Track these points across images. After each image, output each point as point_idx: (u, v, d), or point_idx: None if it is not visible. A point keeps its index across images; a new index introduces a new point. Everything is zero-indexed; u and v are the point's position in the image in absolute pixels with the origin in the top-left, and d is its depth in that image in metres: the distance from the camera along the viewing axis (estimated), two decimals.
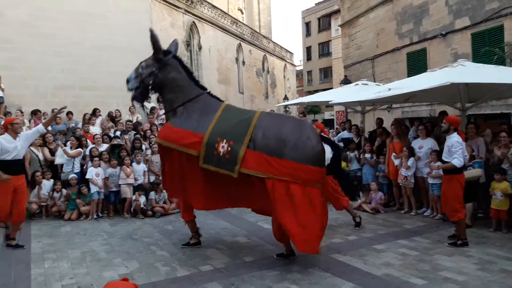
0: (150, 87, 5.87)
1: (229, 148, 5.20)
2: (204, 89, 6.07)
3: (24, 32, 13.38)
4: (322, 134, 6.47)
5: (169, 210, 8.56)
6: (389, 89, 7.81)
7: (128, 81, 5.99)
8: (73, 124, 11.56)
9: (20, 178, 6.24)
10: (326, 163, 5.51)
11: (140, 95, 5.96)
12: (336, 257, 5.50)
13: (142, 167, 8.93)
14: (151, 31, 5.92)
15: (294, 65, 40.88)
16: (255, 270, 5.06)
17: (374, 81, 14.35)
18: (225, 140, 5.25)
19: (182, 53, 19.62)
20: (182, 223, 7.61)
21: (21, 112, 11.57)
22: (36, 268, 5.33)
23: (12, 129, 6.17)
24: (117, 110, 12.66)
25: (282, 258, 5.52)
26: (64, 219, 8.21)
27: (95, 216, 8.27)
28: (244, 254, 5.74)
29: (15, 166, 6.11)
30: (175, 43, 6.28)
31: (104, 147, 9.18)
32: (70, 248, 6.22)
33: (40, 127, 6.71)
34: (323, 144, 5.52)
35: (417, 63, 14.96)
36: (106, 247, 6.24)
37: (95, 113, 11.93)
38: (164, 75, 5.83)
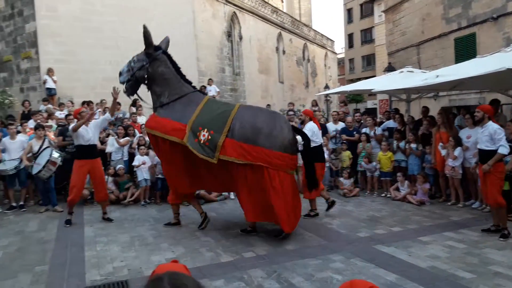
0: (142, 80, 6.45)
1: (209, 137, 5.81)
2: (190, 83, 6.66)
3: (75, 26, 13.98)
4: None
5: (212, 197, 8.75)
6: (437, 76, 7.52)
7: (120, 74, 6.55)
8: (121, 115, 12.00)
9: (96, 161, 7.00)
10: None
11: (131, 88, 6.54)
12: (379, 248, 5.44)
13: None
14: (144, 27, 6.41)
15: (336, 53, 40.14)
16: (297, 258, 5.11)
17: (420, 68, 13.84)
18: (206, 129, 5.86)
19: (223, 43, 19.80)
20: (225, 209, 7.82)
21: (72, 103, 12.15)
22: (89, 250, 5.64)
23: (81, 117, 6.78)
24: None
25: (246, 233, 6.22)
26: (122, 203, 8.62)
27: (142, 203, 8.60)
28: (285, 242, 5.80)
29: (90, 151, 6.87)
30: (166, 40, 6.79)
31: None
32: (120, 232, 6.53)
33: (107, 115, 7.17)
34: (295, 134, 6.14)
35: (465, 49, 14.25)
36: (153, 232, 6.50)
37: (135, 103, 12.32)
38: (154, 69, 6.37)
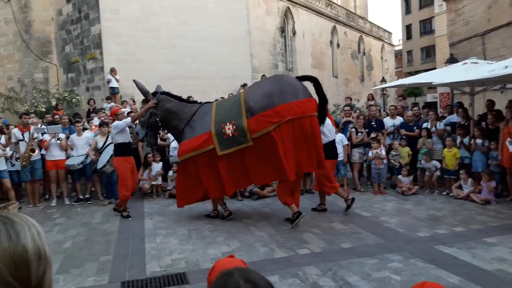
0: (156, 125, 6.96)
1: (234, 127, 6.11)
2: (195, 102, 7.17)
3: (136, 28, 14.60)
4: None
5: (265, 193, 8.80)
6: (506, 67, 7.02)
7: (137, 134, 7.13)
8: None
9: (132, 158, 7.46)
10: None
11: (152, 138, 7.13)
12: (440, 249, 5.20)
13: None
14: (134, 81, 7.06)
15: (393, 45, 38.66)
16: (353, 257, 5.01)
17: (485, 59, 12.97)
18: (227, 123, 6.17)
19: (276, 39, 19.75)
20: (279, 205, 7.82)
21: (133, 101, 12.73)
22: (149, 242, 5.90)
23: (117, 118, 7.38)
24: (222, 97, 13.28)
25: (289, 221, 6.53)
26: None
27: None
28: (341, 240, 5.71)
29: (128, 148, 7.34)
30: (158, 86, 7.28)
31: None
32: (178, 225, 6.76)
33: (128, 119, 7.42)
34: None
35: None
36: (210, 226, 6.66)
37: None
38: (161, 110, 6.82)
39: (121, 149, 7.21)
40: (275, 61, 19.60)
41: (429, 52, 38.88)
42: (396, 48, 42.64)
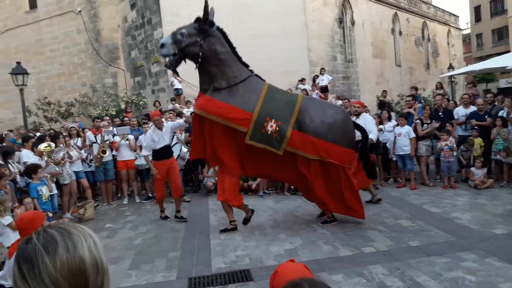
0: (193, 57, 5.74)
1: (277, 128, 5.69)
2: (247, 66, 6.10)
3: None
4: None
5: None
6: None
7: (163, 45, 5.69)
8: None
9: (170, 161, 7.20)
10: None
11: (175, 63, 5.78)
12: None
13: None
14: (206, 1, 5.77)
15: (460, 29, 36.26)
16: (422, 255, 4.79)
17: None
18: (273, 120, 5.70)
19: (334, 31, 19.34)
20: None
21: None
22: (214, 239, 6.05)
23: (155, 123, 7.13)
24: None
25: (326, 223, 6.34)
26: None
27: (261, 193, 8.93)
28: (408, 238, 5.48)
29: (163, 152, 7.09)
30: (212, 12, 5.92)
31: None
32: (241, 222, 6.86)
33: (181, 121, 7.60)
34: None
35: None
36: (272, 223, 6.70)
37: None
38: (209, 47, 5.72)
39: (154, 154, 7.12)
40: (333, 53, 19.21)
41: (501, 34, 35.97)
42: (464, 32, 39.96)
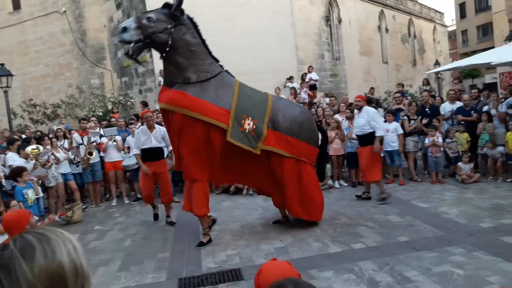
0: (160, 45, 5.15)
1: (254, 126, 5.43)
2: (218, 61, 5.70)
3: None
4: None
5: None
6: None
7: (125, 29, 4.94)
8: None
9: (159, 163, 6.84)
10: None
11: (139, 50, 5.11)
12: (507, 240, 4.88)
13: None
14: None
15: (446, 26, 36.69)
16: (411, 250, 4.83)
17: None
18: (250, 118, 5.42)
19: (321, 29, 19.40)
20: (331, 199, 7.70)
21: None
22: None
23: (147, 121, 6.85)
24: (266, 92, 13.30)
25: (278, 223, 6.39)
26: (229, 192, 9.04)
27: (250, 192, 8.90)
28: (397, 233, 5.52)
29: (152, 154, 6.76)
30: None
31: None
32: (231, 221, 6.85)
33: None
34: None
35: None
36: (262, 221, 6.70)
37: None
38: (179, 36, 5.17)
39: (145, 155, 6.79)
40: (320, 51, 19.28)
41: (486, 30, 36.44)
42: (450, 29, 40.46)
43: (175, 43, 5.13)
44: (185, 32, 5.26)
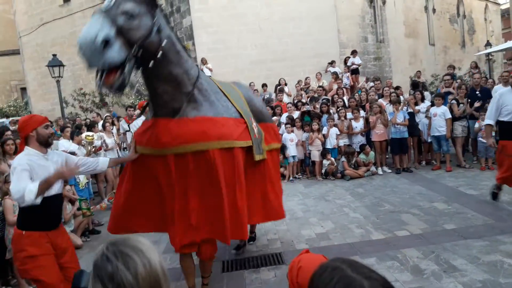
0: (150, 56, 3.07)
1: (256, 128, 4.11)
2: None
3: (223, 16, 14.99)
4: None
5: (359, 173, 8.57)
6: None
7: (106, 43, 2.71)
8: (267, 95, 12.54)
9: None
10: None
11: (129, 73, 2.96)
12: None
13: (334, 130, 9.09)
14: None
15: (498, 4, 34.44)
16: (458, 238, 4.68)
17: None
18: (251, 118, 4.07)
19: (365, 10, 18.80)
20: (373, 186, 7.57)
21: None
22: None
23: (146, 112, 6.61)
24: (308, 77, 13.19)
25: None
26: None
27: (291, 178, 8.94)
28: (444, 221, 5.35)
29: None
30: None
31: (296, 114, 9.76)
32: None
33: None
34: None
35: None
36: (303, 207, 6.71)
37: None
38: (166, 34, 3.27)
39: None
40: (364, 34, 18.71)
41: None
42: (503, 7, 37.92)
43: (166, 46, 3.19)
44: (165, 26, 3.30)
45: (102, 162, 3.74)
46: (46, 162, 3.24)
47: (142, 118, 6.39)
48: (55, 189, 3.23)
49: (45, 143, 3.27)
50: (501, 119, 5.41)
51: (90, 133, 7.63)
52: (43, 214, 3.16)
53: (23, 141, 3.26)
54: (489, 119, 5.56)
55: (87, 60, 2.74)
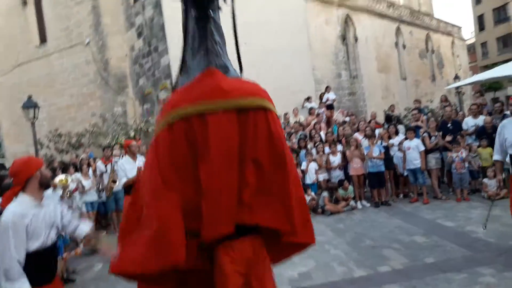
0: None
1: None
2: None
3: None
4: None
5: (339, 208, 8.60)
6: None
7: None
8: None
9: None
10: None
11: None
12: None
13: (313, 165, 9.17)
14: None
15: (464, 40, 36.28)
16: (438, 272, 4.71)
17: None
18: None
19: (338, 48, 19.52)
20: (354, 221, 7.60)
21: None
22: None
23: (130, 151, 6.57)
24: (287, 113, 13.40)
25: None
26: None
27: None
28: (424, 254, 5.39)
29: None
30: None
31: None
32: None
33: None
34: None
35: None
36: None
37: None
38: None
39: (130, 187, 6.18)
40: (338, 70, 19.34)
41: (506, 41, 36.06)
42: (468, 42, 40.04)
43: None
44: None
45: (81, 229, 3.33)
46: (41, 211, 2.92)
47: (127, 158, 6.42)
48: (52, 237, 2.94)
49: (46, 185, 3.02)
50: (510, 152, 5.00)
51: (62, 176, 7.46)
52: (39, 267, 2.83)
53: (21, 185, 2.89)
54: (496, 154, 5.20)
55: None
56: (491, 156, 8.38)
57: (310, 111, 13.38)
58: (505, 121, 5.33)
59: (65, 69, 18.58)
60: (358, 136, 9.58)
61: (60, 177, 7.26)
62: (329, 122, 13.66)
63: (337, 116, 13.84)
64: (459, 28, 34.73)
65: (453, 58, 32.09)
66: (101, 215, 8.84)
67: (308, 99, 15.37)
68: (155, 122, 2.75)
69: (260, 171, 2.47)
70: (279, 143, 2.51)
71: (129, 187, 6.41)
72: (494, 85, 30.91)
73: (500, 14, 37.41)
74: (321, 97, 15.67)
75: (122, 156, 7.56)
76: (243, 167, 2.45)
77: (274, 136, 2.51)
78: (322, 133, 11.06)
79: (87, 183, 8.39)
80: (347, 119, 12.38)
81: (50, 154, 15.79)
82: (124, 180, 6.47)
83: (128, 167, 6.40)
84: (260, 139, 2.48)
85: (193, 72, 2.64)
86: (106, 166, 9.05)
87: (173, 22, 15.32)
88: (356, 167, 8.82)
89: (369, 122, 10.98)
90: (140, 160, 6.64)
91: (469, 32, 44.95)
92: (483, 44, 40.19)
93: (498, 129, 5.16)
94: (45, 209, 2.97)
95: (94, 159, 10.68)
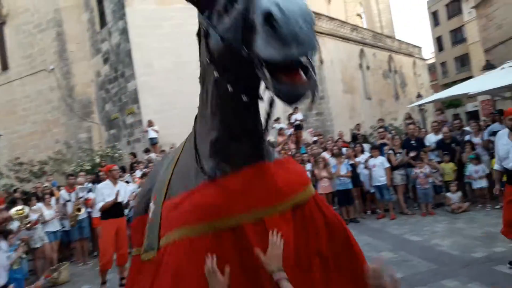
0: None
1: None
2: None
3: (169, 78, 14.78)
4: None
5: None
6: None
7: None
8: None
9: (120, 220, 6.54)
10: None
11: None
12: (501, 269, 4.84)
13: None
14: None
15: (424, 59, 37.90)
16: (405, 287, 4.74)
17: None
18: None
19: None
20: None
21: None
22: None
23: (111, 175, 6.63)
24: None
25: None
26: None
27: None
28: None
29: (114, 210, 6.41)
30: None
31: None
32: None
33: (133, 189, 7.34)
34: None
35: None
36: None
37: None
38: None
39: (107, 211, 6.38)
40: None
41: (463, 61, 37.81)
42: (429, 62, 41.85)
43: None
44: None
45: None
46: None
47: (107, 182, 6.34)
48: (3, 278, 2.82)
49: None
50: (505, 166, 5.00)
51: (19, 207, 7.15)
52: None
53: None
54: (497, 164, 5.27)
55: (295, 35, 1.46)
56: (454, 171, 8.69)
57: (279, 132, 13.48)
58: (500, 132, 5.44)
59: (28, 96, 18.13)
60: (326, 155, 9.71)
61: (17, 208, 6.97)
62: (298, 142, 13.80)
63: (306, 136, 14.00)
64: (420, 48, 36.28)
65: (415, 77, 33.36)
66: (64, 245, 8.47)
67: (276, 120, 15.51)
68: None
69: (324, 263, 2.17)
70: (338, 225, 2.30)
71: (105, 212, 6.36)
72: (455, 102, 32.19)
73: (456, 36, 39.35)
74: (289, 118, 15.86)
75: (94, 182, 7.38)
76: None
77: (331, 222, 2.27)
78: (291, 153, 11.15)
79: (49, 213, 8.07)
80: (315, 138, 12.55)
81: (11, 184, 15.15)
82: (101, 204, 6.40)
83: (106, 192, 6.37)
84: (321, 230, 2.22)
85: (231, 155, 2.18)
86: (70, 194, 8.75)
87: (139, 48, 15.31)
88: (324, 186, 8.89)
89: (337, 141, 11.16)
90: (121, 185, 6.64)
91: (429, 52, 46.90)
92: (443, 64, 42.02)
93: (495, 140, 5.35)
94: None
95: (58, 187, 10.33)
